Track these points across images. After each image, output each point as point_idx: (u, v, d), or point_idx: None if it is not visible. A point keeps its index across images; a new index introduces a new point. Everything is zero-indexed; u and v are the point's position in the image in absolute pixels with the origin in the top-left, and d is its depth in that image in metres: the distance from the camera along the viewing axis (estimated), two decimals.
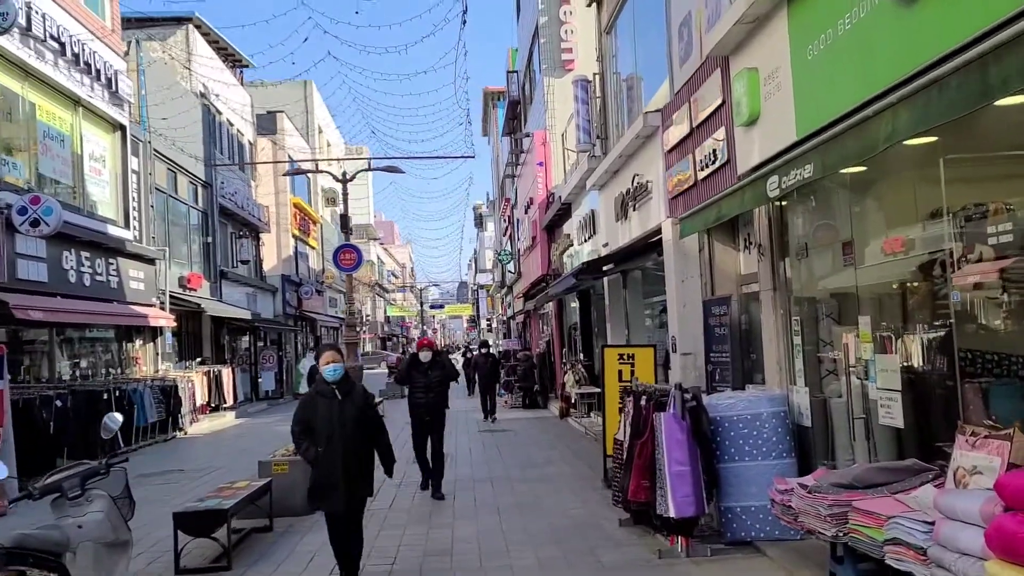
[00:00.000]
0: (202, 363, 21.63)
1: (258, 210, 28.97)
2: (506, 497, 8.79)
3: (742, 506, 6.34)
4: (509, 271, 34.09)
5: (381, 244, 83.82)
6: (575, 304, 18.66)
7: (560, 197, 17.15)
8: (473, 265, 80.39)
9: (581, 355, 17.45)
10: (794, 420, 6.57)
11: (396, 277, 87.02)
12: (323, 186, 40.57)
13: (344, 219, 16.15)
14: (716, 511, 6.45)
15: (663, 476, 6.10)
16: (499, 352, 29.51)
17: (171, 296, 18.60)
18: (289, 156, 31.19)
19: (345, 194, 16.19)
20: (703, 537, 6.35)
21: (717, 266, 9.04)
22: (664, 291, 12.02)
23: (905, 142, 4.66)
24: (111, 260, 15.58)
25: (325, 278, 38.60)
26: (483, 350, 17.80)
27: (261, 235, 30.39)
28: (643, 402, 6.59)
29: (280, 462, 8.11)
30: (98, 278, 14.94)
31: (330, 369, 5.41)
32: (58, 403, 11.65)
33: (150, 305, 17.41)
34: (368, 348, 64.68)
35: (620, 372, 9.19)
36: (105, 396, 13.42)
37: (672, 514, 6.01)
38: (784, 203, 6.98)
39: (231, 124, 26.81)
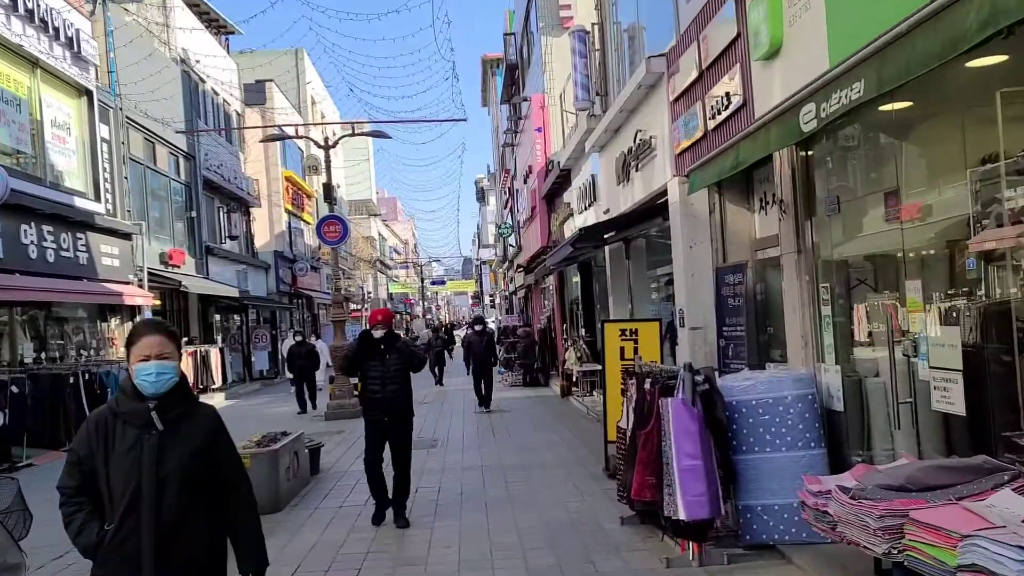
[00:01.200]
0: (189, 343, 20.79)
1: (247, 184, 27.99)
2: (497, 489, 7.90)
3: (763, 505, 5.43)
4: (510, 245, 33.11)
5: (383, 221, 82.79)
6: (577, 278, 17.71)
7: (559, 163, 16.13)
8: (476, 240, 79.35)
9: (583, 331, 16.54)
10: (823, 404, 5.64)
11: (399, 254, 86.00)
12: (318, 158, 39.50)
13: (327, 188, 15.16)
14: (733, 510, 5.55)
15: (671, 472, 5.19)
16: (498, 328, 28.62)
17: (151, 273, 17.69)
18: (277, 125, 30.12)
19: (328, 161, 15.19)
20: (718, 539, 5.45)
21: (729, 230, 8.09)
22: (670, 260, 11.07)
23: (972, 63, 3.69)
24: (79, 235, 14.65)
25: (321, 254, 37.62)
26: (477, 327, 15.37)
27: (251, 210, 29.43)
28: (648, 386, 5.66)
29: (242, 456, 7.20)
30: (64, 254, 14.02)
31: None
32: (14, 388, 10.76)
33: (126, 283, 16.50)
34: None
35: (622, 350, 8.27)
36: (72, 380, 12.54)
37: (682, 516, 5.10)
38: (810, 152, 5.99)
39: (216, 93, 25.72)
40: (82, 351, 15.08)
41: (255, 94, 31.01)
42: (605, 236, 10.82)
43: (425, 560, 5.65)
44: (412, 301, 77.51)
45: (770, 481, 5.42)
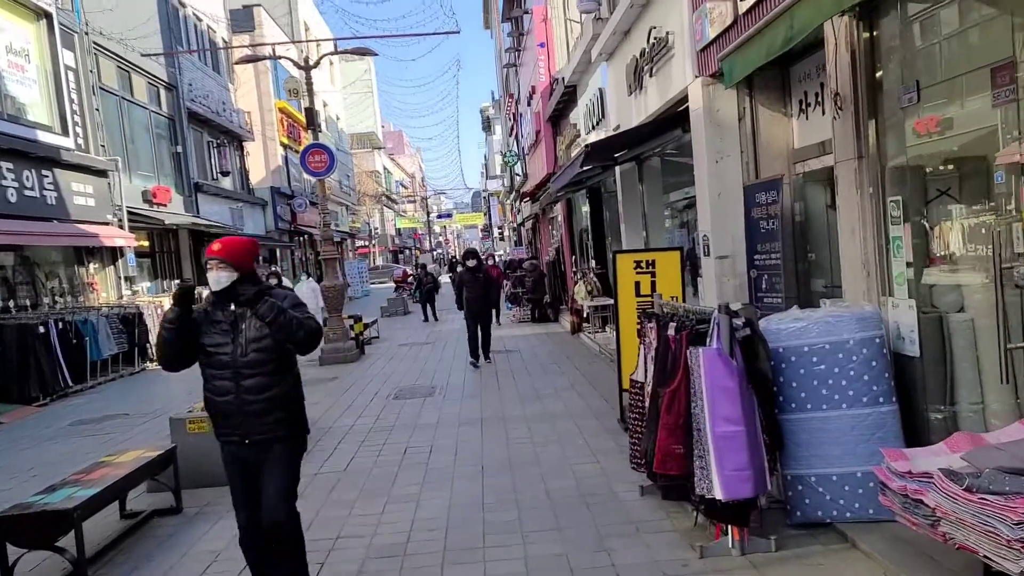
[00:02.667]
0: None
1: (238, 116, 26.58)
2: (497, 448, 6.90)
3: (818, 475, 4.38)
4: (516, 174, 31.68)
5: (390, 155, 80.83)
6: (586, 206, 16.46)
7: (563, 79, 14.71)
8: (484, 172, 77.58)
9: (593, 263, 15.39)
10: (892, 348, 4.52)
11: (405, 188, 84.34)
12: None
13: (309, 113, 13.84)
14: (780, 481, 4.50)
15: (704, 440, 4.12)
16: (502, 263, 27.47)
17: (132, 213, 16.59)
18: (275, 52, 28.45)
19: (309, 84, 13.83)
20: (762, 517, 4.41)
21: (762, 140, 6.86)
22: (689, 182, 9.83)
23: None
24: (45, 172, 13.50)
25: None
26: (469, 262, 12.14)
27: (245, 145, 28.10)
28: (671, 332, 4.54)
29: (198, 419, 6.21)
30: (28, 193, 12.91)
31: None
32: None
33: (104, 223, 15.41)
34: (379, 262, 62.97)
35: (637, 285, 7.15)
36: (42, 330, 11.58)
37: (719, 495, 4.06)
38: (875, 32, 4.71)
39: (198, 19, 24.11)
40: (57, 298, 14.10)
41: (243, 21, 29.22)
42: (616, 155, 9.56)
43: (403, 549, 4.66)
44: (421, 236, 76.33)
45: (827, 446, 4.36)
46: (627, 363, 7.18)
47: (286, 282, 17.62)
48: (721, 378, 4.08)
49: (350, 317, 14.57)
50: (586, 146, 7.60)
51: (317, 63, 14.07)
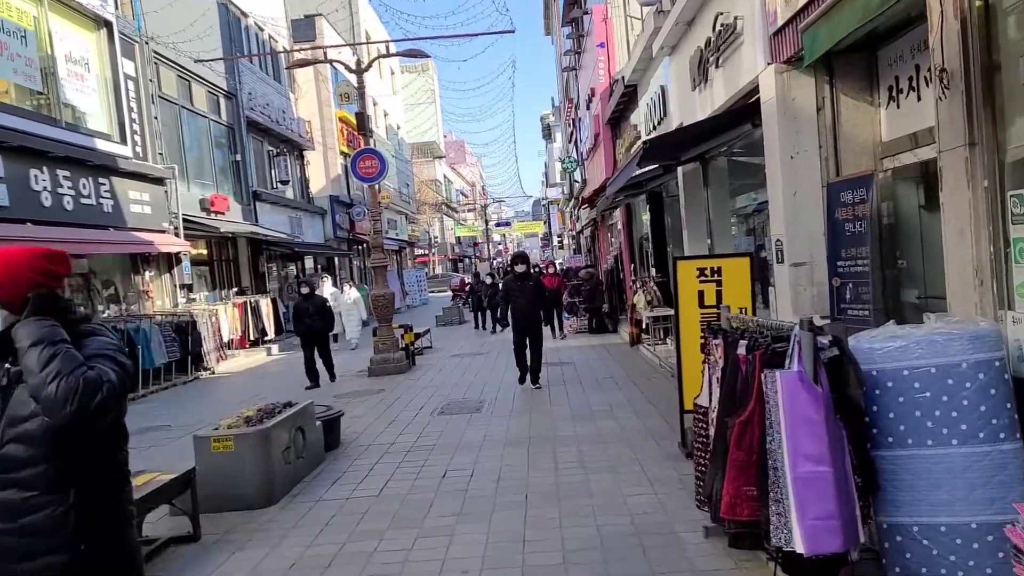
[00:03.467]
0: (240, 293, 19.84)
1: (298, 125, 26.71)
2: (544, 473, 6.29)
3: (922, 524, 3.64)
4: (576, 180, 31.08)
5: (450, 165, 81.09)
6: (646, 212, 15.73)
7: (623, 79, 14.05)
8: (544, 180, 77.08)
9: (653, 270, 14.64)
10: (1014, 373, 3.75)
11: (465, 196, 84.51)
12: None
13: (361, 118, 13.52)
14: (875, 529, 3.78)
15: (782, 482, 3.44)
16: (560, 270, 26.84)
17: (189, 220, 16.58)
18: (327, 56, 28.53)
19: (361, 87, 13.51)
20: (853, 569, 3.69)
21: (844, 132, 6.11)
22: (759, 184, 9.07)
23: None
24: (102, 180, 13.50)
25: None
26: (518, 267, 10.71)
27: (305, 154, 28.23)
28: (742, 350, 3.86)
29: (224, 437, 5.78)
30: (85, 201, 12.89)
31: None
32: None
33: (160, 231, 15.40)
34: (438, 270, 63.03)
35: (701, 295, 6.46)
36: None
37: (800, 548, 3.37)
38: None
39: (260, 29, 24.29)
40: (111, 305, 14.09)
41: (304, 30, 29.43)
42: (678, 155, 8.87)
43: None
44: (481, 244, 76.25)
45: (934, 490, 3.61)
46: (689, 382, 6.50)
47: (328, 289, 17.24)
48: (803, 407, 3.40)
49: (400, 327, 14.15)
50: (643, 143, 6.95)
51: (368, 66, 13.74)
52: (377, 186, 13.96)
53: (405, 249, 44.58)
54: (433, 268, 61.78)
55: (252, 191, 21.46)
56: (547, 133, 62.87)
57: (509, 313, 10.62)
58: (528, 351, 10.60)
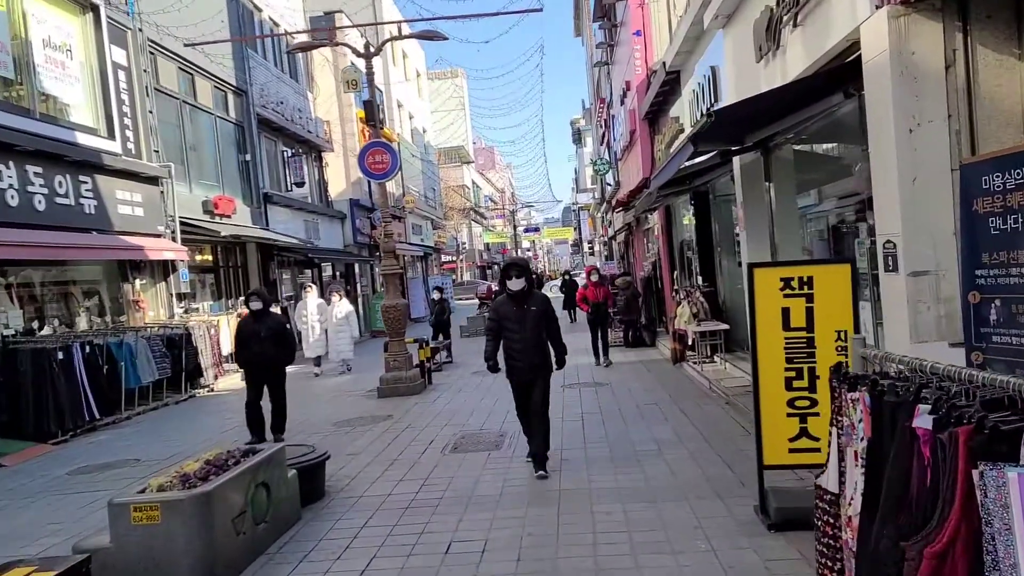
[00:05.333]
0: (247, 302, 18.54)
1: (316, 125, 25.45)
2: (579, 549, 4.75)
3: None
4: (608, 184, 29.47)
5: (480, 171, 79.78)
6: (688, 214, 14.12)
7: (665, 64, 12.49)
8: (575, 185, 75.53)
9: (699, 279, 13.04)
10: None
11: (494, 202, 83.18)
12: (397, 100, 36.75)
13: (369, 107, 12.10)
14: None
15: None
16: (565, 281, 25.58)
17: (188, 224, 15.31)
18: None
19: (370, 73, 12.10)
20: None
21: (984, 95, 4.55)
22: (837, 176, 7.50)
23: None
24: (83, 178, 12.23)
25: (405, 202, 35.08)
26: (512, 284, 6.66)
27: (324, 155, 26.99)
28: (922, 423, 2.30)
29: (147, 504, 4.32)
30: (60, 200, 11.61)
31: None
32: None
33: (154, 235, 14.13)
34: (466, 277, 61.64)
35: (785, 313, 4.91)
36: (61, 356, 10.16)
37: None
38: None
39: (275, 24, 23.09)
40: (95, 318, 12.81)
41: (324, 27, 28.24)
42: (743, 136, 7.30)
43: None
44: (509, 251, 74.92)
45: None
46: (770, 428, 4.95)
47: (313, 301, 14.94)
48: None
49: (415, 341, 12.70)
50: (709, 113, 5.39)
51: (379, 50, 12.35)
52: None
53: (431, 255, 43.24)
54: (461, 275, 60.46)
55: (263, 193, 20.18)
56: (577, 138, 61.32)
57: (501, 354, 6.73)
58: (531, 405, 6.68)
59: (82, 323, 12.50)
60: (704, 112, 10.03)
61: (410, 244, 35.51)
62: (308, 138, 24.45)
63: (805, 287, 4.89)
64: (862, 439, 2.66)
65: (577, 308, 19.46)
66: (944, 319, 4.64)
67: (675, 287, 14.09)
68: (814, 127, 7.14)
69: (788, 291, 4.92)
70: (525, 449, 7.50)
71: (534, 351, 6.61)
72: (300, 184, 23.39)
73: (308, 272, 24.60)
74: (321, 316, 14.70)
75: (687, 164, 8.35)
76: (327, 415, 10.42)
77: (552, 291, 39.31)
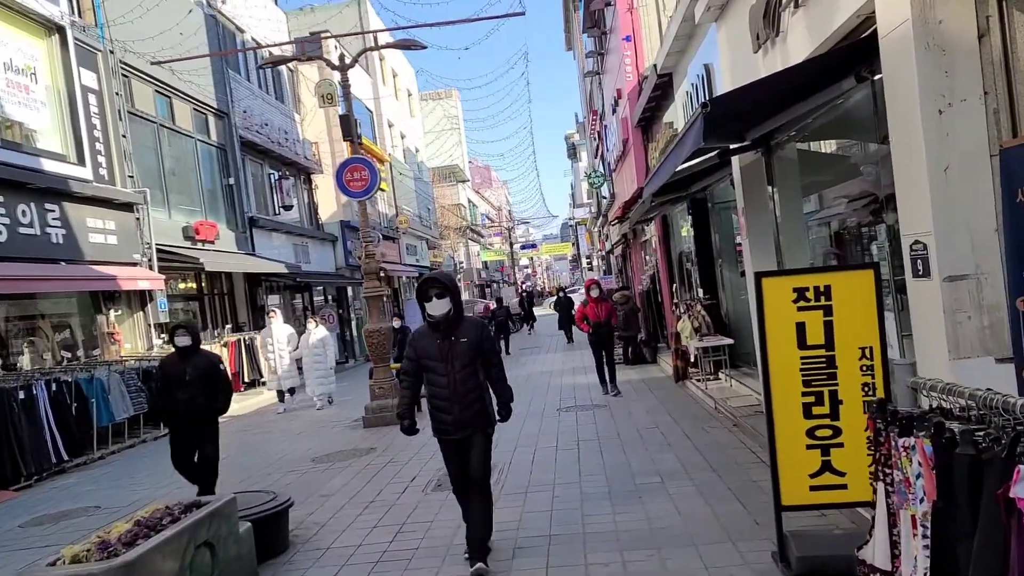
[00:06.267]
0: (236, 330, 17.92)
1: (304, 147, 24.94)
2: None
3: None
4: (603, 197, 28.91)
5: (476, 189, 79.33)
6: (688, 225, 13.49)
7: (656, 67, 11.92)
8: (572, 201, 75.06)
9: (700, 291, 12.38)
10: None
11: (491, 220, 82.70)
12: (388, 119, 36.28)
13: (345, 121, 11.51)
14: None
15: None
16: (523, 296, 24.71)
17: (168, 251, 14.70)
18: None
19: (346, 85, 11.52)
20: None
21: None
22: (845, 176, 6.89)
23: None
24: (49, 206, 11.64)
25: (399, 223, 34.50)
26: (433, 306, 4.79)
27: (314, 178, 26.43)
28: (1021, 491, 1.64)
29: None
30: (24, 230, 11.02)
31: None
32: None
33: (130, 264, 13.51)
34: (464, 296, 61.00)
35: (801, 328, 4.27)
36: (22, 395, 9.50)
37: None
38: None
39: (259, 45, 22.60)
40: (63, 353, 12.15)
41: (309, 49, 27.77)
42: (744, 131, 6.67)
43: None
44: (506, 269, 74.33)
45: None
46: (787, 463, 4.28)
47: (279, 328, 13.63)
48: None
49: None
50: (703, 105, 4.76)
51: (354, 62, 11.78)
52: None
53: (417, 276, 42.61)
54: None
55: (248, 217, 19.61)
56: (572, 152, 60.93)
57: (425, 402, 5.17)
58: (467, 489, 5.04)
59: (49, 359, 11.83)
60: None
61: (404, 265, 34.88)
62: (295, 160, 23.93)
63: (822, 298, 4.24)
64: (922, 500, 1.99)
65: (575, 326, 18.56)
66: (988, 330, 3.98)
67: (675, 300, 13.43)
68: (820, 121, 6.51)
69: (803, 303, 4.27)
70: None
71: (466, 399, 4.79)
72: (288, 207, 22.82)
73: (300, 297, 23.98)
74: (291, 345, 13.55)
75: (683, 167, 7.72)
76: (307, 449, 9.74)
77: (549, 307, 38.66)
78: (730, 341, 10.80)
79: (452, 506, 6.31)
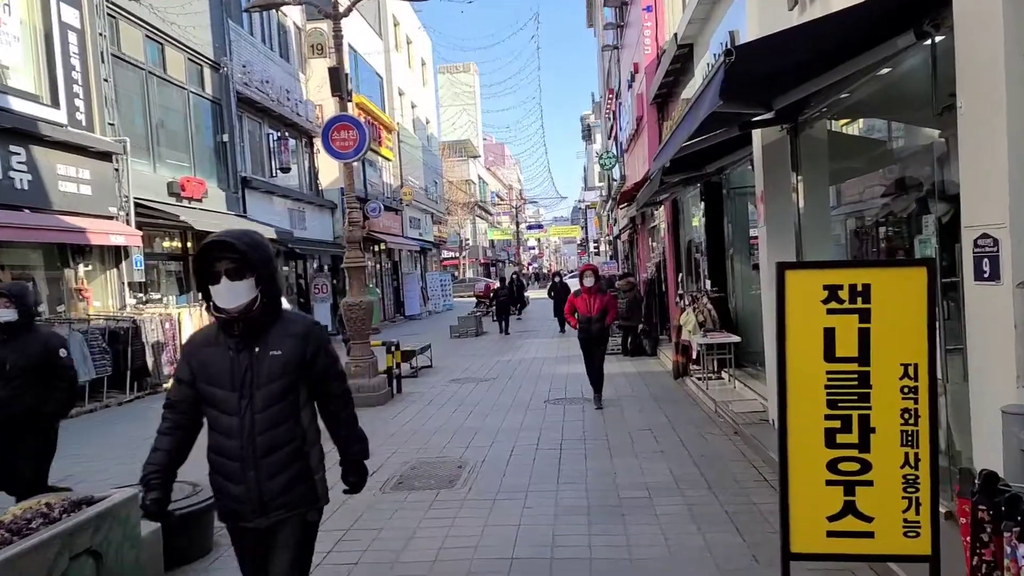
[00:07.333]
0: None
1: (308, 109, 24.04)
2: None
3: None
4: (614, 179, 27.98)
5: (488, 167, 78.22)
6: (699, 212, 12.61)
7: (676, 36, 10.99)
8: (584, 183, 73.96)
9: (708, 283, 11.53)
10: None
11: (501, 199, 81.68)
12: (399, 87, 35.31)
13: (335, 74, 10.63)
14: None
15: None
16: (510, 281, 23.68)
17: (149, 207, 13.90)
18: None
19: (338, 35, 10.64)
20: None
21: None
22: (881, 162, 6.04)
23: None
24: (15, 148, 10.83)
25: (403, 194, 33.62)
26: (227, 282, 2.73)
27: (316, 141, 25.52)
28: None
29: None
30: None
31: None
32: None
33: (105, 217, 12.72)
34: (469, 274, 60.12)
35: (829, 335, 3.44)
36: None
37: None
38: None
39: None
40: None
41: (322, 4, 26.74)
42: (771, 98, 5.80)
43: None
44: (511, 249, 73.41)
45: None
46: (800, 500, 3.47)
47: None
48: None
49: (383, 344, 11.24)
50: (726, 53, 3.88)
51: (349, 11, 10.87)
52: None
53: (430, 250, 41.75)
54: (464, 272, 58.98)
55: (241, 177, 18.76)
56: (587, 134, 59.78)
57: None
58: None
59: None
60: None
61: (406, 238, 34.05)
62: (297, 121, 23.06)
63: (859, 299, 3.40)
64: None
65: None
66: None
67: (680, 291, 12.58)
68: (860, 94, 5.63)
69: (834, 304, 3.43)
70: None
71: (273, 458, 2.79)
72: (286, 170, 21.97)
73: (297, 264, 23.20)
74: None
75: (698, 141, 6.87)
76: None
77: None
78: (737, 339, 9.97)
79: (409, 511, 5.57)
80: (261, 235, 2.85)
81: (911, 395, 3.37)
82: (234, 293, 2.71)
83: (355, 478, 3.10)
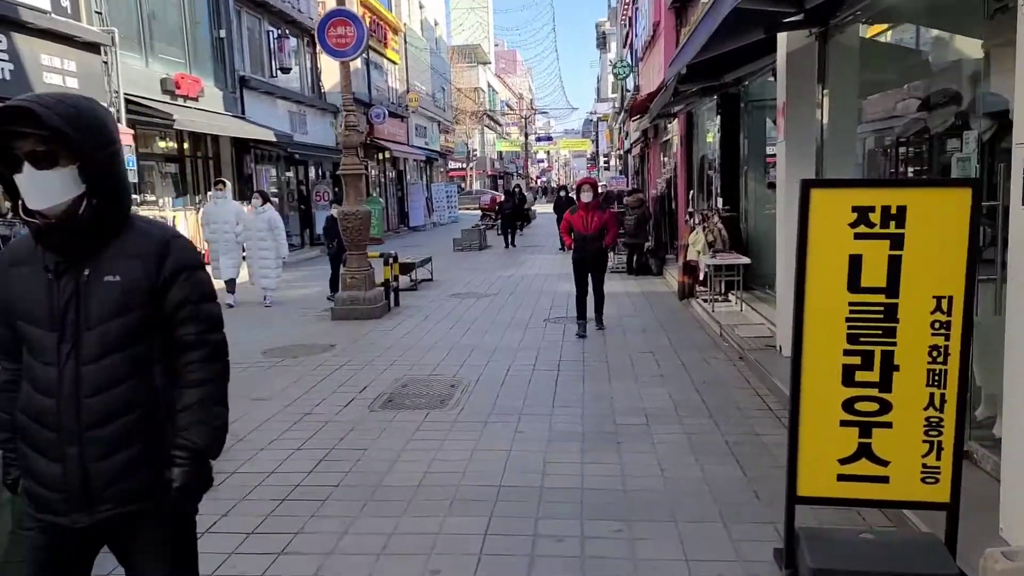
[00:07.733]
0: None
1: (310, 5, 23.00)
2: None
3: None
4: (628, 91, 26.99)
5: (498, 75, 76.00)
6: (715, 126, 12.02)
7: None
8: (597, 95, 71.98)
9: (719, 202, 11.07)
10: None
11: (511, 108, 79.79)
12: None
13: None
14: None
15: None
16: (513, 193, 23.06)
17: (140, 103, 13.36)
18: None
19: None
20: None
21: None
22: (921, 70, 5.52)
23: None
24: None
25: (409, 100, 32.68)
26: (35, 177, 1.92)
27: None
28: None
29: None
30: None
31: None
32: None
33: None
34: (476, 186, 59.28)
35: (855, 263, 3.06)
36: None
37: None
38: None
39: None
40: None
41: None
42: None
43: None
44: (519, 161, 72.15)
45: None
46: (809, 440, 3.19)
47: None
48: None
49: (381, 256, 10.91)
50: None
51: None
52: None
53: (436, 160, 40.95)
54: (471, 183, 58.07)
55: (239, 76, 18.06)
56: (602, 41, 57.64)
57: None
58: None
59: None
60: None
61: (412, 147, 33.28)
62: (299, 19, 22.09)
63: (892, 223, 3.02)
64: None
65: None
66: None
67: (690, 209, 12.14)
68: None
69: (863, 228, 3.06)
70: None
71: (107, 427, 1.94)
72: (287, 70, 21.17)
73: (297, 170, 22.66)
74: (241, 226, 11.01)
75: (718, 44, 6.32)
76: (263, 339, 8.73)
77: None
78: (747, 261, 9.60)
79: (396, 430, 5.35)
80: (96, 104, 1.95)
81: (942, 331, 3.03)
82: (45, 187, 1.87)
83: (183, 480, 2.00)
